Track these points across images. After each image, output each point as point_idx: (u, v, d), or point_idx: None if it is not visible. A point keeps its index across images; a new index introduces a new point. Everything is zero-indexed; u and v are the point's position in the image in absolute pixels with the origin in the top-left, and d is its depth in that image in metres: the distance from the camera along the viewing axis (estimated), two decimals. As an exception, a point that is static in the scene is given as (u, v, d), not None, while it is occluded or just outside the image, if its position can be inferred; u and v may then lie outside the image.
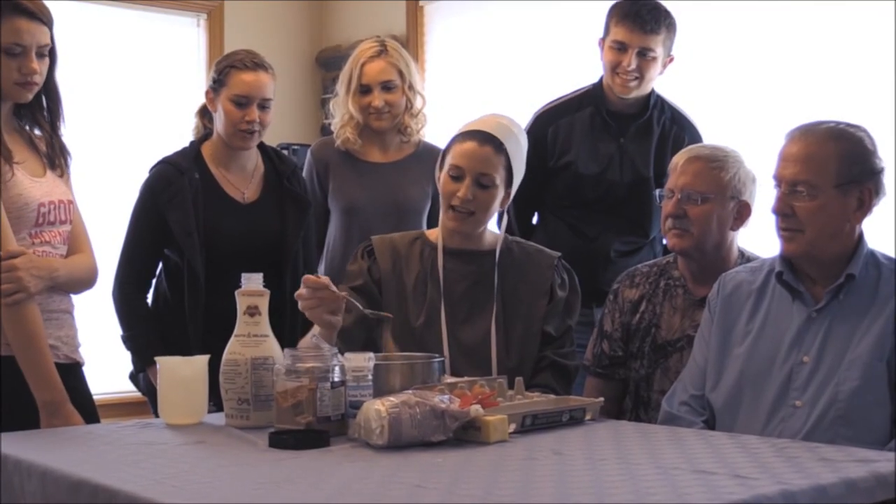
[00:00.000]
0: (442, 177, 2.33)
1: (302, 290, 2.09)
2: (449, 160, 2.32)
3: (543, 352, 2.32)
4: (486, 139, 2.29)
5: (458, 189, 2.28)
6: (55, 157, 2.36)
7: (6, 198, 2.19)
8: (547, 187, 3.04)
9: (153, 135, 4.56)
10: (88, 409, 2.35)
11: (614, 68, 2.91)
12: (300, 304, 2.11)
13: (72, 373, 2.33)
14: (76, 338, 2.39)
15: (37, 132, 2.36)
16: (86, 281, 2.39)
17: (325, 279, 2.11)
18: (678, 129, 3.02)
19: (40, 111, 2.34)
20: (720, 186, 2.37)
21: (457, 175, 2.29)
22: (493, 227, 2.48)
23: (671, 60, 2.96)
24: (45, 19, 2.25)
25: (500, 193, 2.32)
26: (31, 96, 2.28)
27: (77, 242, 2.38)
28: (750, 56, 3.74)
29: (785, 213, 2.06)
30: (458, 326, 2.29)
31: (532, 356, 2.31)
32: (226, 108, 2.71)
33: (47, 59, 2.28)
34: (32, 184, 2.27)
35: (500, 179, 2.30)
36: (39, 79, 2.26)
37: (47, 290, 2.26)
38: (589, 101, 3.02)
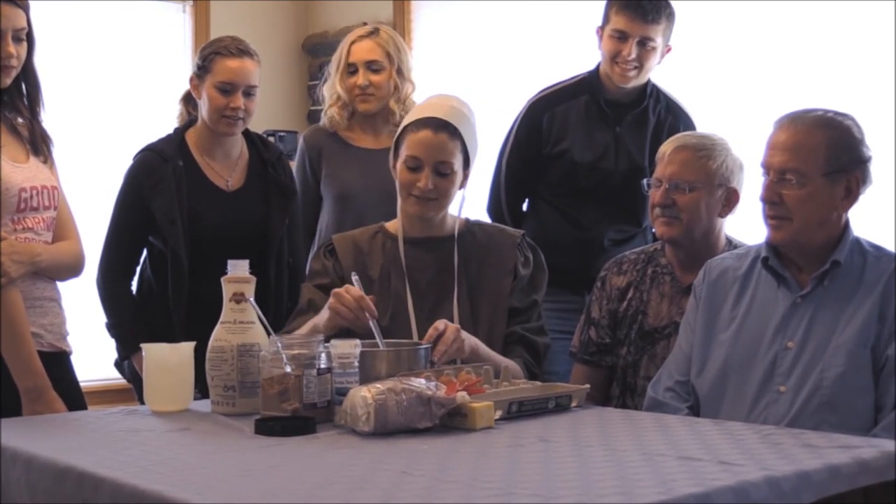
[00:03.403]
0: (398, 166, 2.31)
1: (349, 303, 2.09)
2: (404, 150, 2.29)
3: (511, 327, 2.32)
4: (440, 126, 2.27)
5: (417, 179, 2.26)
6: (38, 144, 2.34)
7: None
8: (540, 175, 3.04)
9: (138, 122, 4.54)
10: (76, 398, 2.34)
11: (614, 57, 2.89)
12: (340, 309, 2.10)
13: (58, 362, 2.32)
14: (63, 326, 2.37)
15: (19, 119, 2.34)
16: (71, 268, 2.37)
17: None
18: (673, 118, 3.01)
19: (19, 97, 2.32)
20: (708, 175, 2.38)
21: (415, 166, 2.27)
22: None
23: (669, 50, 2.96)
24: (20, 2, 2.23)
25: (459, 177, 2.31)
26: (8, 81, 2.26)
27: (63, 229, 2.36)
28: (743, 45, 3.73)
29: (773, 200, 2.07)
30: (427, 315, 2.26)
31: (500, 336, 2.31)
32: (210, 94, 2.70)
33: (25, 44, 2.26)
34: (13, 169, 2.25)
35: (458, 165, 2.29)
36: (16, 62, 2.24)
37: (31, 276, 2.25)
38: (584, 89, 3.01)
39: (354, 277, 2.16)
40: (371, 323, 2.09)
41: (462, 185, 2.35)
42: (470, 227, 2.39)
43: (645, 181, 2.52)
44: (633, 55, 2.87)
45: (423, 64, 4.80)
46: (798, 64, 3.57)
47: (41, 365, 2.21)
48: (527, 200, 3.13)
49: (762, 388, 2.05)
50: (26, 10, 2.25)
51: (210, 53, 2.71)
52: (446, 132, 2.27)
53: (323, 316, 2.16)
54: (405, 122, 2.35)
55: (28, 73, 2.32)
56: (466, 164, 2.32)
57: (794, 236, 2.06)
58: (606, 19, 2.93)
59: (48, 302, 2.33)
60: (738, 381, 2.09)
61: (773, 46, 3.65)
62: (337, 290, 2.13)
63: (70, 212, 2.41)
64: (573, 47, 3.86)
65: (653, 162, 2.60)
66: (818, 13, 3.54)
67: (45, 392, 2.20)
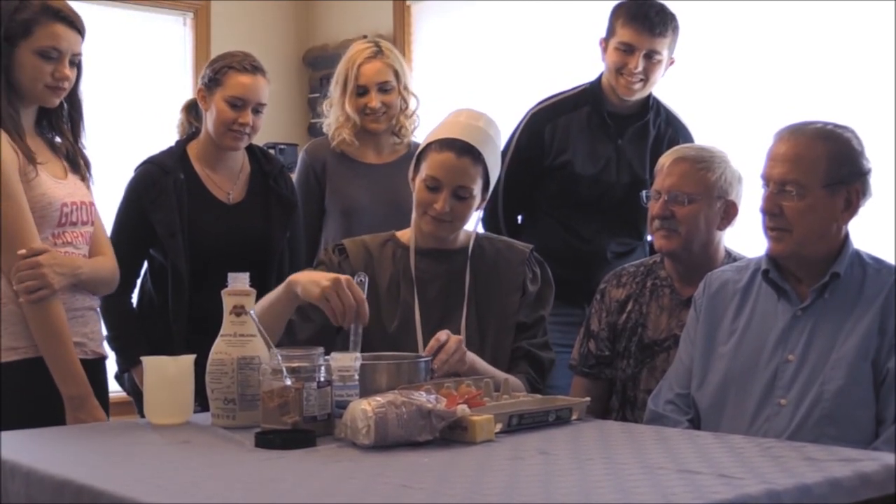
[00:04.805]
0: (417, 183, 2.30)
1: (347, 301, 2.01)
2: (425, 169, 2.28)
3: (518, 342, 2.32)
4: (463, 150, 2.25)
5: (434, 200, 2.26)
6: (76, 162, 2.40)
7: (30, 197, 2.23)
8: (540, 186, 3.03)
9: (139, 134, 4.55)
10: (104, 404, 2.38)
11: (619, 69, 2.89)
12: (333, 298, 2.01)
13: (99, 368, 2.40)
14: (100, 332, 2.43)
15: (57, 139, 2.40)
16: (108, 282, 2.43)
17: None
18: (673, 131, 3.02)
19: (61, 119, 2.38)
20: (706, 187, 2.38)
21: (434, 186, 2.26)
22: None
23: (672, 63, 2.96)
24: (81, 29, 2.32)
25: (477, 201, 2.31)
26: (57, 101, 2.33)
27: (98, 245, 2.42)
28: (741, 55, 3.75)
29: (773, 212, 2.07)
30: (433, 327, 2.24)
31: (507, 352, 2.31)
32: (220, 107, 2.71)
33: (76, 69, 2.33)
34: (55, 184, 2.31)
35: (477, 189, 2.28)
36: (68, 85, 2.31)
37: (71, 288, 2.29)
38: (586, 101, 3.01)
39: (363, 278, 2.11)
40: (353, 328, 2.03)
41: (479, 207, 2.34)
42: (479, 241, 2.39)
43: (644, 193, 2.52)
44: (640, 68, 2.87)
45: (423, 75, 4.83)
46: (796, 76, 3.58)
47: (84, 373, 2.25)
48: (524, 212, 3.13)
49: (763, 401, 2.05)
50: (84, 37, 2.32)
51: (222, 67, 2.72)
52: (470, 157, 2.25)
53: (296, 284, 2.08)
54: (430, 137, 2.33)
55: (73, 98, 2.38)
56: (486, 187, 2.31)
57: (794, 248, 2.07)
58: (611, 32, 2.92)
59: (88, 311, 2.38)
60: (739, 394, 2.08)
61: (771, 58, 3.66)
62: (339, 278, 2.03)
63: (104, 228, 2.47)
64: (574, 56, 3.88)
65: (653, 174, 2.60)
66: (816, 25, 3.55)
67: (88, 399, 2.25)
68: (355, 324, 2.03)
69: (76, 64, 2.32)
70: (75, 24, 2.30)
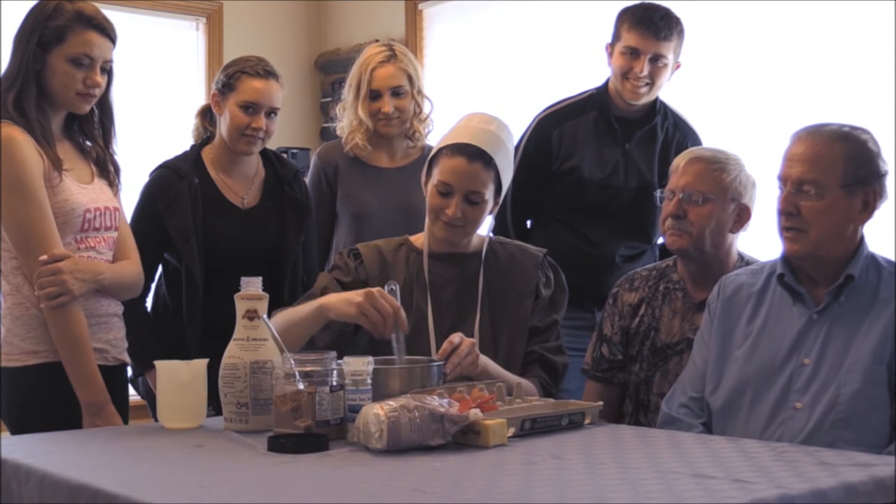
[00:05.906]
0: (429, 188, 2.31)
1: (385, 310, 2.05)
2: (437, 174, 2.28)
3: (531, 346, 2.32)
4: (475, 155, 2.25)
5: (446, 205, 2.26)
6: (105, 166, 2.41)
7: (53, 202, 2.25)
8: (547, 191, 3.03)
9: (152, 139, 4.56)
10: (125, 410, 2.40)
11: (625, 74, 2.89)
12: (371, 312, 2.04)
13: (121, 374, 2.41)
14: (123, 339, 2.44)
15: (87, 143, 2.41)
16: (131, 287, 2.43)
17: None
18: (681, 135, 3.01)
19: (92, 125, 2.40)
20: (721, 187, 2.38)
21: (445, 191, 2.26)
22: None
23: (678, 67, 2.96)
24: (113, 36, 2.34)
25: (490, 205, 2.31)
26: (87, 108, 2.34)
27: (123, 249, 2.42)
28: (747, 59, 3.74)
29: (790, 211, 2.05)
30: (446, 331, 2.24)
31: (520, 356, 2.31)
32: (233, 112, 2.71)
33: (107, 76, 2.35)
34: (79, 190, 2.32)
35: (489, 194, 2.28)
36: (99, 92, 2.33)
37: (95, 294, 2.30)
38: (593, 106, 3.01)
39: (393, 286, 2.13)
40: (395, 336, 2.07)
41: (492, 212, 2.35)
42: (492, 245, 2.39)
43: (658, 193, 2.51)
44: (645, 72, 2.87)
45: (435, 79, 4.83)
46: (802, 79, 3.58)
47: (102, 380, 2.26)
48: (532, 217, 3.13)
49: (778, 405, 2.04)
50: (115, 44, 2.35)
51: (236, 72, 2.72)
52: (481, 162, 2.26)
53: (328, 309, 2.12)
54: (442, 142, 2.33)
55: (104, 105, 2.40)
56: (498, 191, 2.32)
57: (810, 248, 2.05)
58: (617, 36, 2.92)
59: (112, 318, 2.39)
60: (754, 398, 2.08)
61: (778, 61, 3.65)
62: (371, 291, 2.07)
63: (130, 233, 2.47)
64: (586, 59, 3.87)
65: (662, 178, 2.60)
66: (821, 28, 3.54)
67: (106, 406, 2.25)
68: (396, 332, 2.06)
69: (107, 70, 2.34)
70: (107, 32, 2.32)
